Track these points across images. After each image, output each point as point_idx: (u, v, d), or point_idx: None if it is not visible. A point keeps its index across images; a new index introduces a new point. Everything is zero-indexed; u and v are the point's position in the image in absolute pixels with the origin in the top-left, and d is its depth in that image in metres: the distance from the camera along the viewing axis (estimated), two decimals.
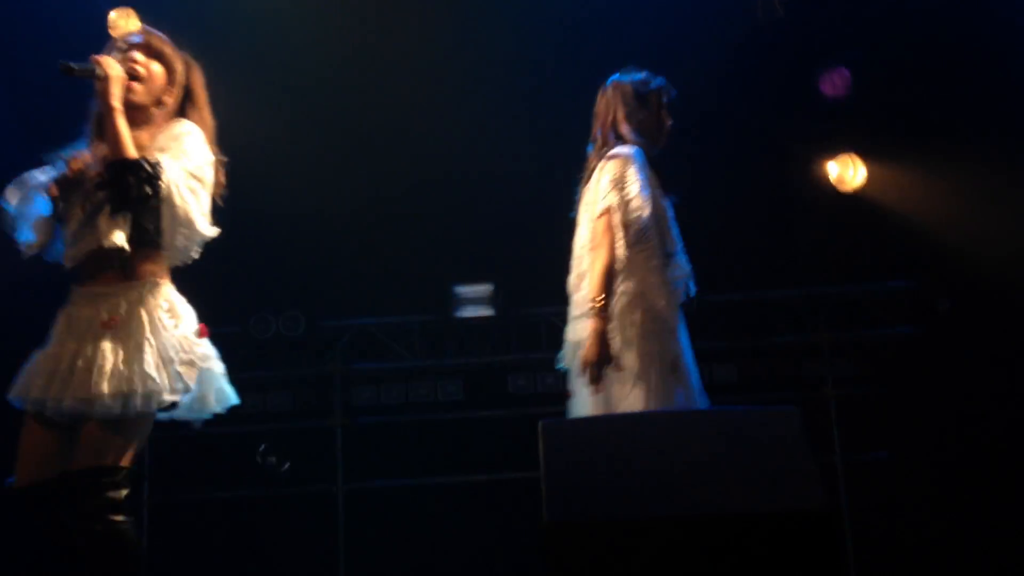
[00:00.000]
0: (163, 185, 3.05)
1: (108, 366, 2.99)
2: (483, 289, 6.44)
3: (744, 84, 6.32)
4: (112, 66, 3.14)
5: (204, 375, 3.15)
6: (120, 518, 3.01)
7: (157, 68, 3.27)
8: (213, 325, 6.33)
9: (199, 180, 3.17)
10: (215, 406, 3.20)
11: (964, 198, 6.06)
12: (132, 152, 3.06)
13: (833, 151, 6.37)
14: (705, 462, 2.27)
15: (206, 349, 3.19)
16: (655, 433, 2.35)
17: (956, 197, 6.08)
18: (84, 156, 3.23)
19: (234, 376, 6.39)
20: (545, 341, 6.49)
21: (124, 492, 3.03)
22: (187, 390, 3.08)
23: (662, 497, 2.20)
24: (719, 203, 6.27)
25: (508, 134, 6.52)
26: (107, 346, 3.02)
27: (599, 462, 2.30)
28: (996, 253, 6.02)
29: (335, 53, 6.46)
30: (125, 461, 3.05)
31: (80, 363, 3.02)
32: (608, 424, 2.43)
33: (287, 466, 6.33)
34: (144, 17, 6.23)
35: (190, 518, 6.25)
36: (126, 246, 3.10)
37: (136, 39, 3.30)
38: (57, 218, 3.22)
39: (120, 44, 3.30)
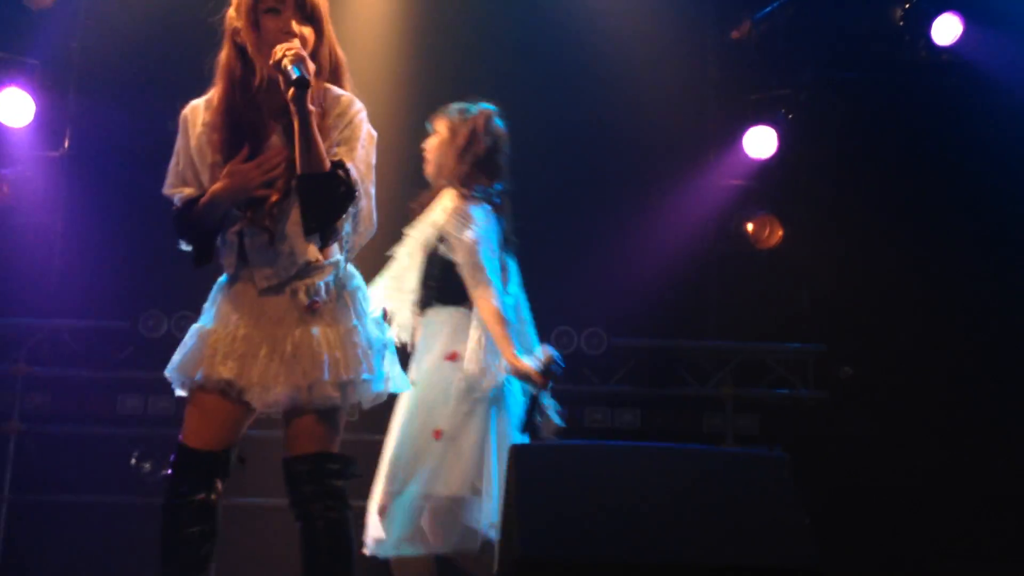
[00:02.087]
0: (358, 194, 2.79)
1: (324, 354, 2.77)
2: None
3: (673, 130, 6.35)
4: (310, 64, 2.73)
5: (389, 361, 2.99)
6: (342, 510, 2.82)
7: (309, 32, 2.84)
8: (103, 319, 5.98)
9: (372, 170, 2.91)
10: (393, 388, 3.02)
11: (878, 266, 6.18)
12: (327, 164, 2.73)
13: (752, 209, 6.40)
14: (688, 503, 2.15)
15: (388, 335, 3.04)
16: (635, 466, 2.21)
17: (870, 265, 6.20)
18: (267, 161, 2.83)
19: (117, 375, 6.07)
20: None
21: (344, 482, 2.84)
22: (388, 378, 2.93)
23: (643, 539, 2.06)
24: (636, 248, 6.27)
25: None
26: (317, 332, 2.80)
27: (575, 494, 2.15)
28: (903, 325, 6.16)
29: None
30: (338, 449, 2.86)
31: (288, 349, 2.78)
32: (586, 453, 2.28)
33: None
34: None
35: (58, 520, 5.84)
36: (321, 258, 2.87)
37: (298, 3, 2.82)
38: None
39: (263, 5, 2.80)
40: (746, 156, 6.44)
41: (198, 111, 2.93)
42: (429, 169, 4.13)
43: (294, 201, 2.79)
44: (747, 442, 6.22)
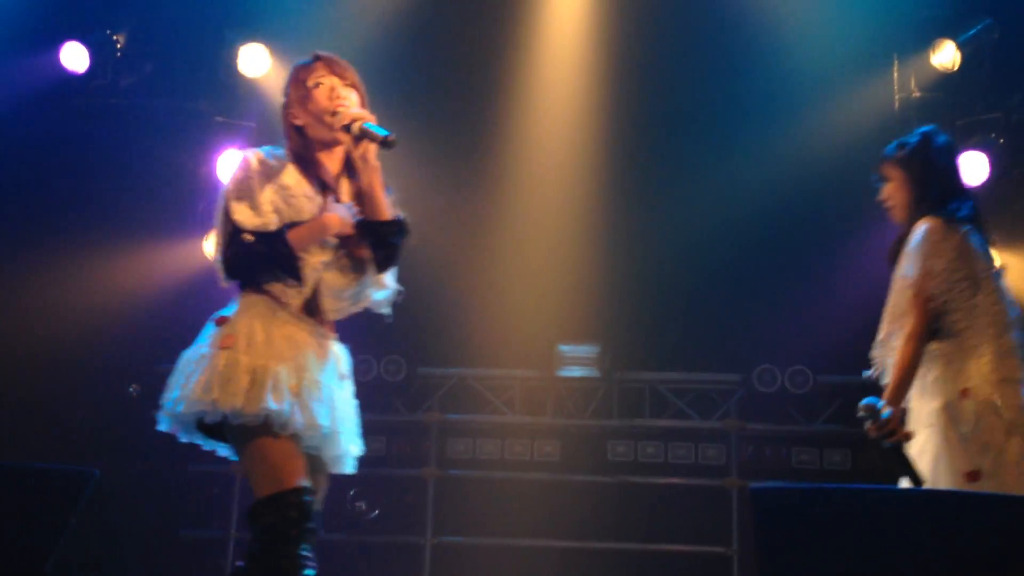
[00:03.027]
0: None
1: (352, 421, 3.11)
2: (588, 350, 6.30)
3: (876, 160, 6.19)
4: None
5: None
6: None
7: (356, 99, 3.20)
8: None
9: None
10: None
11: None
12: (391, 212, 3.10)
13: None
14: (948, 551, 2.06)
15: None
16: (881, 512, 2.15)
17: None
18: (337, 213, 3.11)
19: None
20: (648, 408, 6.35)
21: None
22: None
23: None
24: (840, 282, 6.14)
25: (625, 197, 6.47)
26: (350, 400, 3.13)
27: (823, 541, 2.11)
28: None
29: (454, 100, 6.50)
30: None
31: (340, 408, 3.05)
32: (832, 498, 2.23)
33: (376, 513, 6.19)
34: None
35: None
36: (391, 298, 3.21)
37: (331, 73, 3.18)
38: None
39: (311, 81, 3.15)
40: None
41: (271, 163, 3.13)
42: (897, 215, 3.87)
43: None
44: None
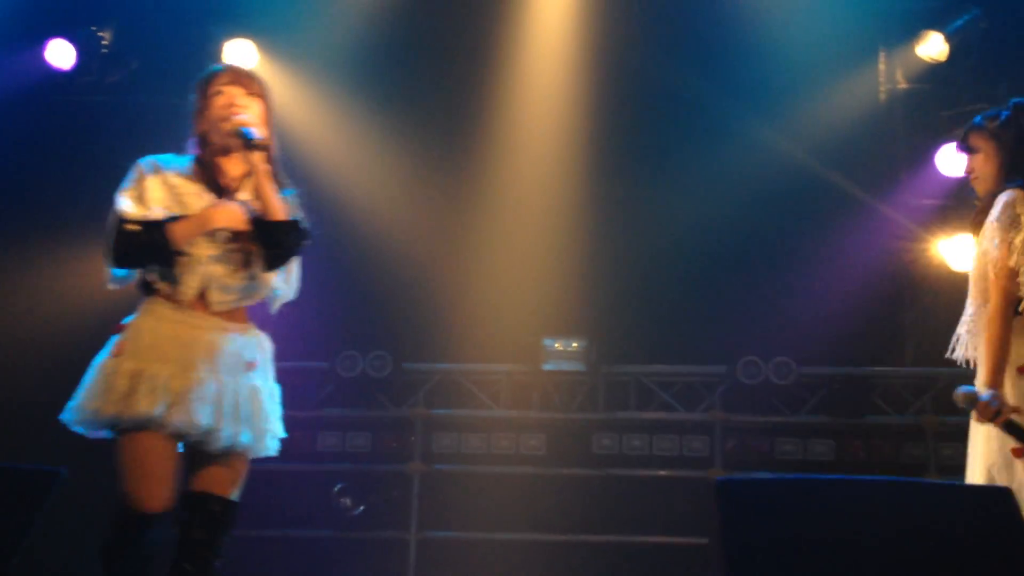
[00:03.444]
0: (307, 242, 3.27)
1: (266, 407, 3.20)
2: (574, 344, 6.30)
3: (861, 152, 6.20)
4: (263, 130, 3.25)
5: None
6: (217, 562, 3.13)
7: (259, 107, 3.32)
8: (301, 360, 6.35)
9: None
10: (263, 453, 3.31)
11: None
12: (284, 213, 3.20)
13: (949, 230, 6.14)
14: (906, 539, 2.05)
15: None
16: (846, 501, 2.14)
17: None
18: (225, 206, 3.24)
19: (317, 413, 6.41)
20: (633, 401, 6.35)
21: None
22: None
23: (854, 572, 2.00)
24: (824, 274, 6.14)
25: (609, 191, 6.48)
26: (258, 388, 3.21)
27: (785, 529, 2.11)
28: None
29: (437, 95, 6.51)
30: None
31: (240, 399, 3.14)
32: (794, 488, 2.22)
33: (361, 509, 6.19)
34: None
35: (260, 553, 6.12)
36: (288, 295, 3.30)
37: (232, 81, 3.31)
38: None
39: (213, 89, 3.30)
40: (939, 175, 6.19)
41: (163, 165, 3.29)
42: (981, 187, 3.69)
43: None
44: (952, 473, 5.94)
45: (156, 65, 6.65)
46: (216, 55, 6.51)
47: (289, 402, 6.11)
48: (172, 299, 3.18)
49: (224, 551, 3.17)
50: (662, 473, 6.13)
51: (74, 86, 6.59)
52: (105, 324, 3.25)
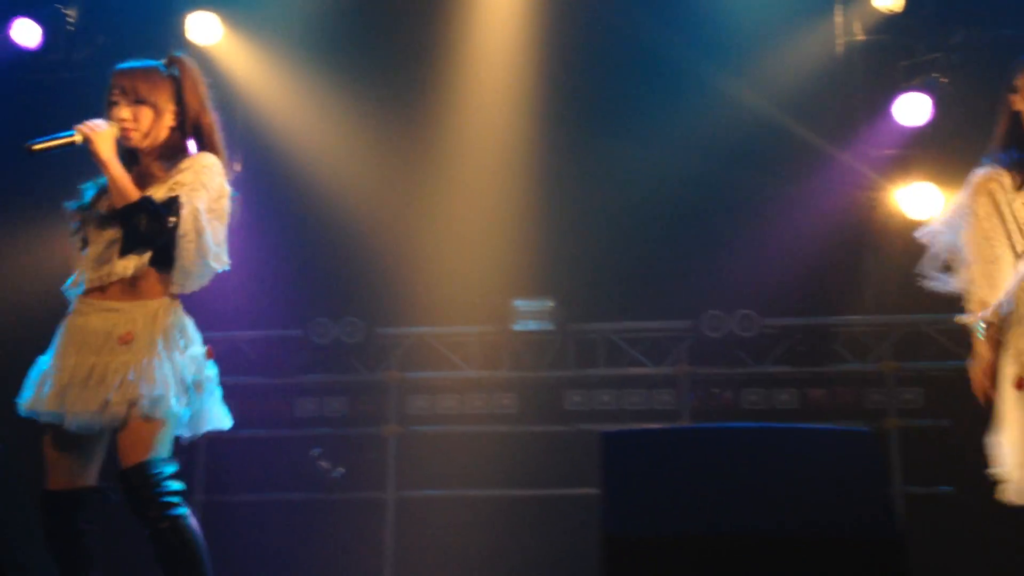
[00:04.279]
0: (172, 220, 3.27)
1: (120, 378, 3.22)
2: (542, 304, 6.41)
3: (819, 103, 6.27)
4: (94, 127, 3.30)
5: (207, 395, 3.38)
6: (178, 511, 3.20)
7: (146, 112, 3.40)
8: (276, 328, 6.47)
9: (215, 212, 3.38)
10: (210, 425, 3.41)
11: None
12: (134, 195, 3.27)
13: (908, 179, 6.24)
14: (770, 480, 2.21)
15: (211, 370, 3.42)
16: (719, 448, 2.29)
17: None
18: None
19: (293, 380, 6.54)
20: (602, 358, 6.47)
21: (174, 484, 3.24)
22: (189, 405, 3.31)
23: (725, 514, 2.14)
24: (784, 227, 6.24)
25: (575, 146, 6.56)
26: (122, 360, 3.24)
27: (661, 476, 2.25)
28: None
29: (400, 62, 6.58)
30: (161, 454, 3.25)
31: (95, 376, 3.23)
32: (671, 437, 2.37)
33: (341, 471, 6.33)
34: None
35: (242, 518, 6.27)
36: (129, 273, 3.33)
37: (120, 91, 3.42)
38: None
39: (110, 98, 3.43)
40: (897, 124, 6.28)
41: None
42: None
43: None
44: (912, 416, 6.10)
45: (122, 41, 6.68)
46: (181, 29, 6.56)
47: (266, 370, 6.48)
48: (80, 288, 3.39)
49: (176, 500, 3.25)
50: (632, 427, 6.26)
51: (41, 64, 6.63)
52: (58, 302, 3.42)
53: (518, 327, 6.40)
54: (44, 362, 3.35)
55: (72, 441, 3.29)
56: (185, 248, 3.29)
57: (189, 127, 3.46)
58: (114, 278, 3.32)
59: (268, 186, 6.24)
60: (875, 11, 6.51)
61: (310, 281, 6.56)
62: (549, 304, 6.39)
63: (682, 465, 2.29)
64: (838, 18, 6.62)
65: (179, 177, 3.35)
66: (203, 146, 3.46)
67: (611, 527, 2.20)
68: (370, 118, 6.64)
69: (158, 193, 3.31)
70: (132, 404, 3.20)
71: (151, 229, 3.25)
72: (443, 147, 6.61)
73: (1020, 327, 3.41)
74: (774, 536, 2.15)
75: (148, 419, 3.22)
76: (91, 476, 3.37)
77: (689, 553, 2.15)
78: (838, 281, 6.27)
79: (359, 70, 6.71)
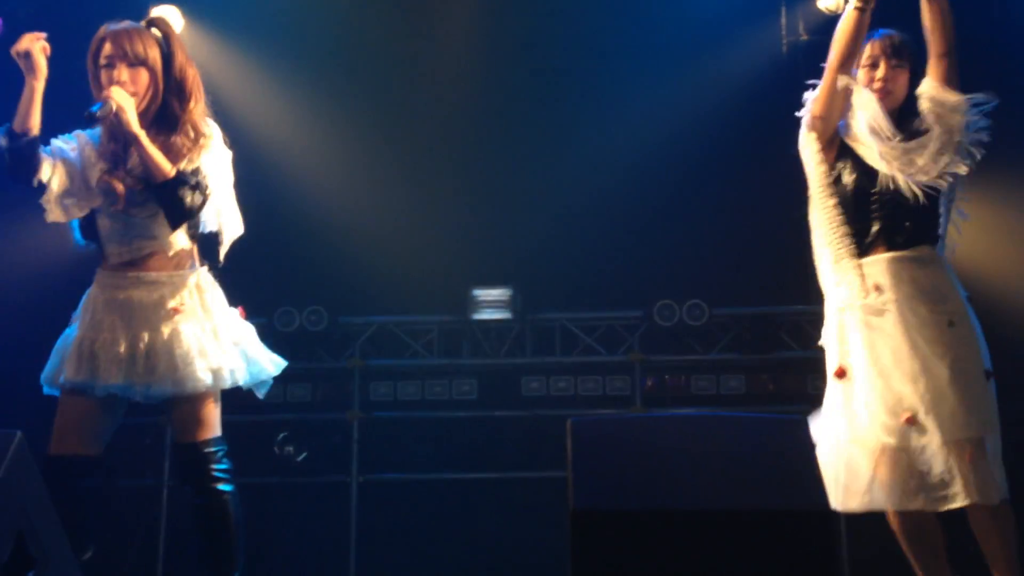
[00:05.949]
0: (210, 190, 3.36)
1: (194, 349, 3.30)
2: (501, 293, 6.63)
3: (766, 108, 6.51)
4: (119, 95, 3.30)
5: (255, 347, 3.55)
6: (230, 486, 3.46)
7: (143, 74, 3.40)
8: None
9: (231, 177, 3.55)
10: (274, 371, 3.57)
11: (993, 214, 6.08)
12: (170, 170, 3.29)
13: None
14: (716, 461, 2.47)
15: (250, 327, 3.59)
16: (672, 433, 2.54)
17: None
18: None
19: None
20: (559, 346, 6.71)
21: (229, 462, 3.47)
22: (251, 364, 3.47)
23: (678, 491, 2.40)
24: (732, 219, 6.51)
25: (531, 140, 6.78)
26: (186, 330, 3.32)
27: (622, 457, 2.50)
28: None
29: (361, 53, 6.74)
30: (219, 432, 3.44)
31: (160, 347, 3.29)
32: (631, 423, 2.63)
33: (304, 456, 6.51)
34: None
35: None
36: (179, 247, 3.41)
37: (116, 53, 3.41)
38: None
39: (102, 60, 3.43)
40: None
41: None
42: None
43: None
44: None
45: (83, 33, 6.76)
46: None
47: None
48: (105, 265, 3.44)
49: (228, 477, 3.47)
50: (587, 412, 6.50)
51: None
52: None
53: (477, 316, 6.62)
54: (70, 336, 3.37)
55: (93, 410, 3.35)
56: (230, 220, 3.47)
57: (174, 86, 3.43)
58: (149, 250, 3.36)
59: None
60: (818, 12, 6.78)
61: (275, 271, 6.73)
62: (508, 293, 6.61)
63: (640, 448, 2.54)
64: (783, 19, 6.91)
65: (195, 142, 3.37)
66: (186, 98, 3.43)
67: (579, 502, 2.45)
68: (331, 109, 6.81)
69: (181, 164, 3.33)
70: (215, 372, 3.30)
71: (195, 202, 3.29)
72: (403, 137, 6.80)
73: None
74: (721, 509, 2.42)
75: (215, 393, 3.38)
76: (99, 446, 3.43)
77: (647, 524, 2.40)
78: (783, 273, 6.52)
79: (318, 61, 6.88)
